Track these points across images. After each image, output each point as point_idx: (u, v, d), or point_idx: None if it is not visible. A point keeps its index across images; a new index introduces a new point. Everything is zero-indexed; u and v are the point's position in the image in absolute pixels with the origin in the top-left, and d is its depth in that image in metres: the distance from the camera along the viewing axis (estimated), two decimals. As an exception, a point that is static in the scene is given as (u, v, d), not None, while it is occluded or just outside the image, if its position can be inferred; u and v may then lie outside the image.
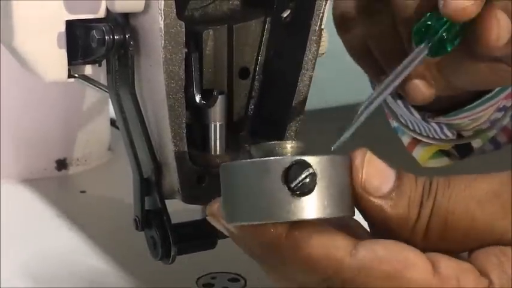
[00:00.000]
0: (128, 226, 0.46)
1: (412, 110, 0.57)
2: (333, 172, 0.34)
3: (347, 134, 0.38)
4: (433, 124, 0.59)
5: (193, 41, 0.43)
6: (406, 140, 0.65)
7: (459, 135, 0.59)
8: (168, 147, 0.43)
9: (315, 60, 0.44)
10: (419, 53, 0.42)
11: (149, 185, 0.44)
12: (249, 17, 0.45)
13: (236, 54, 0.45)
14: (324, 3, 0.44)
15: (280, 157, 0.34)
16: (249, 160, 0.35)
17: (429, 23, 0.42)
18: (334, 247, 0.34)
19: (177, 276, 0.54)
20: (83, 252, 0.58)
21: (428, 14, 0.43)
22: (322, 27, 0.44)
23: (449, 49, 0.43)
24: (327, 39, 0.46)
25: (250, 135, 0.46)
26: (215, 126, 0.44)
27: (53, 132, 0.72)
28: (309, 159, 0.34)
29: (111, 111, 0.70)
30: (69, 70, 0.45)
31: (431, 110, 0.58)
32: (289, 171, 0.33)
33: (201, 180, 0.43)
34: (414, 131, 0.60)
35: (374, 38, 0.47)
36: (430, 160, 0.66)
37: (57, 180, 0.71)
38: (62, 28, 0.44)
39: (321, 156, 0.34)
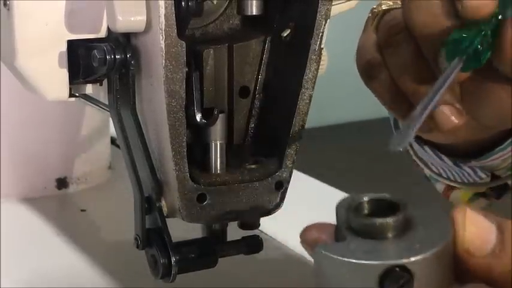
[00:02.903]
0: (128, 245, 0.46)
1: (443, 156, 0.57)
2: (432, 270, 0.33)
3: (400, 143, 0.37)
4: (466, 168, 0.58)
5: (194, 60, 0.44)
6: (440, 187, 0.64)
7: (493, 176, 0.59)
8: (169, 166, 0.43)
9: (315, 79, 0.45)
10: (454, 68, 0.41)
11: (150, 204, 0.44)
12: (249, 36, 0.46)
13: (236, 73, 0.45)
14: (323, 22, 0.44)
15: (378, 262, 0.33)
16: (346, 259, 0.33)
17: (460, 36, 0.42)
18: None
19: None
20: (83, 271, 0.58)
21: (455, 30, 0.42)
22: (322, 46, 0.45)
23: (483, 61, 0.42)
24: (326, 58, 0.47)
25: (250, 154, 0.46)
26: (215, 145, 0.44)
27: (53, 151, 0.72)
28: (409, 264, 0.33)
29: (111, 129, 0.70)
30: (70, 89, 0.45)
31: (461, 155, 0.57)
32: (386, 277, 0.33)
33: (202, 199, 0.43)
34: (448, 178, 0.59)
35: (400, 71, 0.46)
36: (469, 204, 0.65)
37: (57, 199, 0.71)
38: (63, 48, 0.44)
39: (423, 257, 0.33)
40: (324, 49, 0.45)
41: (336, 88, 2.57)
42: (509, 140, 0.54)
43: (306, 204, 0.71)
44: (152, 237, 0.44)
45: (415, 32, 0.44)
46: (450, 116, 0.44)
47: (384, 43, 0.47)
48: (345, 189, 0.73)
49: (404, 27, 0.45)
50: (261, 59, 0.46)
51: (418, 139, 0.56)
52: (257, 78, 0.46)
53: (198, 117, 0.43)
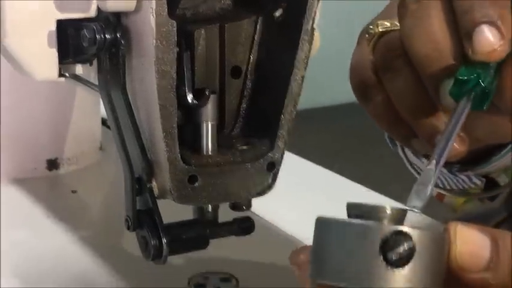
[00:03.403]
0: (119, 226, 0.45)
1: None
2: (431, 248, 0.33)
3: (419, 203, 0.37)
4: (461, 175, 0.57)
5: (185, 40, 0.43)
6: (434, 191, 0.64)
7: (488, 179, 0.58)
8: (160, 146, 0.43)
9: (307, 60, 0.44)
10: (464, 108, 0.40)
11: (140, 185, 0.44)
12: (240, 16, 0.45)
13: (228, 53, 0.45)
14: (316, 2, 0.43)
15: (381, 224, 0.33)
16: (347, 220, 0.34)
17: (467, 75, 0.40)
18: None
19: (169, 277, 0.53)
20: (74, 253, 0.58)
21: (462, 66, 0.41)
22: (314, 26, 0.44)
23: (489, 102, 0.41)
24: (319, 38, 0.46)
25: (242, 135, 0.46)
26: (207, 125, 0.44)
27: (43, 132, 0.71)
28: (411, 231, 0.33)
29: (102, 110, 0.70)
30: (59, 69, 0.45)
31: (455, 162, 0.57)
32: (387, 240, 0.33)
33: (193, 180, 0.43)
34: (443, 187, 0.59)
35: (399, 97, 0.45)
36: (464, 206, 0.65)
37: (47, 180, 0.71)
38: (53, 27, 0.44)
39: (422, 231, 0.33)
40: (316, 29, 0.44)
41: (329, 69, 2.57)
42: (505, 150, 0.54)
43: (298, 186, 0.71)
44: (143, 218, 0.44)
45: (415, 62, 0.43)
46: (454, 145, 0.43)
47: (381, 67, 0.46)
48: (338, 171, 0.73)
49: (404, 52, 0.43)
50: (253, 39, 0.45)
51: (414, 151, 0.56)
52: (249, 59, 0.46)
53: (189, 97, 0.43)
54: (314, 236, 0.35)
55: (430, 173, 0.38)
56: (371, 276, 0.33)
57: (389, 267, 0.33)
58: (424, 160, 0.56)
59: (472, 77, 0.40)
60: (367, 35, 0.47)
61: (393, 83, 0.45)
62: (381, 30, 0.47)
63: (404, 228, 0.33)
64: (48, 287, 0.53)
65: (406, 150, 0.57)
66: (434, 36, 0.42)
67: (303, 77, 0.45)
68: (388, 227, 0.33)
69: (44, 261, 0.57)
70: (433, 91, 0.43)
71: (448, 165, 0.56)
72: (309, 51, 0.44)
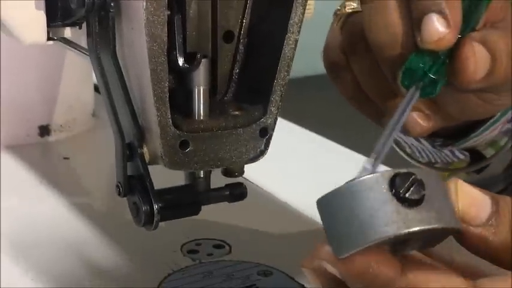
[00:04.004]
0: (111, 192, 0.45)
1: (421, 138, 0.56)
2: (436, 183, 0.33)
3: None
4: (445, 150, 0.58)
5: (176, 3, 0.42)
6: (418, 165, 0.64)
7: (472, 152, 0.58)
8: (151, 111, 0.42)
9: (301, 24, 0.44)
10: (412, 97, 0.41)
11: (131, 151, 0.43)
12: (233, -22, 0.44)
13: (220, 17, 0.44)
14: (310, -36, 0.43)
15: (380, 173, 0.33)
16: (346, 184, 0.33)
17: (415, 66, 0.41)
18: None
19: (161, 243, 0.53)
20: (67, 220, 0.58)
21: (412, 55, 0.41)
22: (308, -11, 0.43)
23: (438, 90, 0.41)
24: (313, 2, 0.45)
25: (234, 100, 0.45)
26: (199, 90, 0.43)
27: (35, 98, 0.71)
28: (418, 172, 0.33)
29: (94, 76, 0.69)
30: (48, 32, 0.44)
31: (439, 136, 0.57)
32: (395, 182, 0.32)
33: (185, 146, 0.43)
34: (428, 162, 0.59)
35: (365, 76, 0.46)
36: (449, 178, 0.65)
37: (40, 147, 0.71)
38: (41, -11, 0.43)
39: (420, 169, 0.33)
40: (310, -7, 0.44)
41: (324, 35, 2.55)
42: (483, 127, 0.54)
43: (291, 152, 0.70)
44: (134, 184, 0.43)
45: (373, 49, 0.44)
46: (418, 121, 0.44)
47: (347, 48, 0.47)
48: (333, 138, 0.73)
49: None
50: (246, 2, 0.45)
51: None
52: (242, 23, 0.45)
53: (181, 61, 0.42)
54: (322, 218, 0.34)
55: (375, 156, 0.37)
56: (392, 221, 0.32)
57: (406, 207, 0.32)
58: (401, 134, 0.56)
59: (420, 65, 0.41)
60: (335, 15, 0.47)
61: (358, 65, 0.46)
62: (347, 10, 0.47)
63: (403, 170, 0.33)
64: (40, 253, 0.53)
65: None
66: (390, 24, 0.42)
67: (296, 41, 0.44)
68: (388, 172, 0.32)
69: (36, 227, 0.57)
70: (391, 78, 0.43)
71: (430, 139, 0.57)
72: (303, 14, 0.43)
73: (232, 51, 0.45)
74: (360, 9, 0.46)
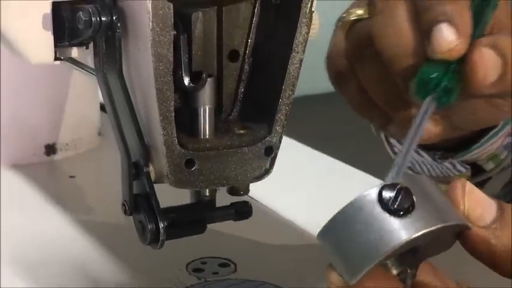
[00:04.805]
0: (117, 211, 0.45)
1: (421, 151, 0.56)
2: (424, 187, 0.33)
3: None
4: (445, 163, 0.58)
5: (182, 23, 0.43)
6: None
7: (474, 166, 0.58)
8: (157, 130, 0.42)
9: (306, 43, 0.44)
10: (428, 107, 0.40)
11: (137, 169, 0.43)
12: (238, -2, 0.45)
13: (226, 36, 0.44)
14: (314, -16, 0.43)
15: (366, 192, 0.33)
16: (338, 211, 0.33)
17: (427, 76, 0.41)
18: None
19: (167, 262, 0.53)
20: (73, 238, 0.58)
21: (423, 65, 0.41)
22: (313, 9, 0.44)
23: (454, 98, 0.41)
24: (318, 21, 0.46)
25: (239, 119, 0.46)
26: (204, 109, 0.43)
27: (41, 117, 0.71)
28: (395, 180, 0.33)
29: (101, 95, 0.70)
30: (55, 52, 0.44)
31: (439, 149, 0.57)
32: (381, 195, 0.32)
33: (190, 164, 0.43)
34: (429, 175, 0.59)
35: (372, 84, 0.46)
36: None
37: (46, 166, 0.71)
38: (48, 9, 0.43)
39: (404, 176, 0.33)
40: (315, 12, 0.44)
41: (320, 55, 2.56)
42: (486, 136, 0.54)
43: (296, 171, 0.70)
44: (140, 202, 0.43)
45: (385, 61, 0.43)
46: (427, 126, 0.43)
47: (353, 55, 0.46)
48: (336, 156, 0.73)
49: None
50: (251, 22, 0.45)
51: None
52: (247, 42, 0.45)
53: (186, 81, 0.42)
54: (327, 250, 0.34)
55: (400, 156, 0.38)
56: (391, 233, 0.32)
57: (399, 217, 0.32)
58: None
59: (433, 76, 0.40)
60: (340, 23, 0.47)
61: (364, 72, 0.46)
62: (352, 18, 0.47)
63: (387, 181, 0.33)
64: (46, 272, 0.53)
65: (391, 141, 0.57)
66: (401, 36, 0.42)
67: (301, 61, 0.44)
68: (373, 189, 0.33)
69: (42, 246, 0.57)
70: (403, 88, 0.43)
71: (430, 152, 0.56)
72: (308, 34, 0.44)
73: (238, 70, 0.45)
74: (366, 16, 0.46)
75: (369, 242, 0.32)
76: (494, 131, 0.54)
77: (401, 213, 0.32)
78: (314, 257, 0.56)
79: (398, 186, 0.32)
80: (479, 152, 0.55)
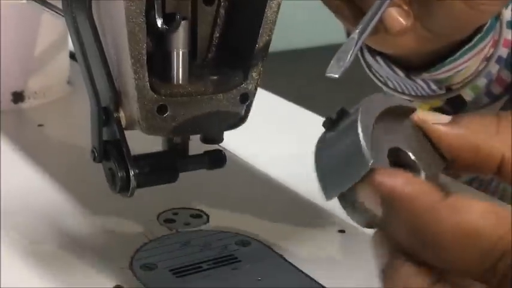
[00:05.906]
0: (86, 160, 0.44)
1: (395, 68, 0.56)
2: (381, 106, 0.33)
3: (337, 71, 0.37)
4: (419, 81, 0.57)
5: (156, -38, 0.41)
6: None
7: (448, 89, 0.58)
8: (128, 74, 0.41)
9: (284, -14, 0.42)
10: None
11: (107, 115, 0.42)
12: None
13: (201, -22, 0.43)
14: None
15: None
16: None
17: None
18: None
19: (137, 212, 0.52)
20: (40, 188, 0.57)
21: None
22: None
23: None
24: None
25: (214, 65, 0.44)
26: (178, 53, 0.42)
27: (8, 64, 0.69)
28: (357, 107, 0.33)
29: (70, 44, 0.68)
30: (22, -9, 0.42)
31: (413, 67, 0.56)
32: (332, 122, 0.33)
33: (162, 110, 0.41)
34: (402, 92, 0.58)
35: None
36: None
37: (13, 114, 0.69)
38: None
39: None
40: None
41: (307, 10, 2.54)
42: (461, 51, 0.53)
43: (271, 122, 0.69)
44: (110, 149, 0.42)
45: None
46: (398, 18, 0.44)
47: None
48: (310, 108, 0.72)
49: None
50: (227, -36, 0.43)
51: (371, 51, 0.55)
52: (223, -15, 0.44)
53: (159, 22, 0.41)
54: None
55: (352, 42, 0.38)
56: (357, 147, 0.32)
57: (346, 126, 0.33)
58: (380, 60, 0.55)
59: None
60: None
61: None
62: None
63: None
64: (14, 221, 0.52)
65: (366, 56, 0.56)
66: None
67: (279, 5, 0.43)
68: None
69: (10, 195, 0.55)
70: None
71: (404, 70, 0.56)
72: (286, -23, 0.42)
73: (213, 14, 0.44)
74: None
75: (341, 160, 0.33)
76: (469, 45, 0.53)
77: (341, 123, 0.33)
78: (288, 209, 0.55)
79: (340, 109, 0.33)
80: (455, 67, 0.54)
